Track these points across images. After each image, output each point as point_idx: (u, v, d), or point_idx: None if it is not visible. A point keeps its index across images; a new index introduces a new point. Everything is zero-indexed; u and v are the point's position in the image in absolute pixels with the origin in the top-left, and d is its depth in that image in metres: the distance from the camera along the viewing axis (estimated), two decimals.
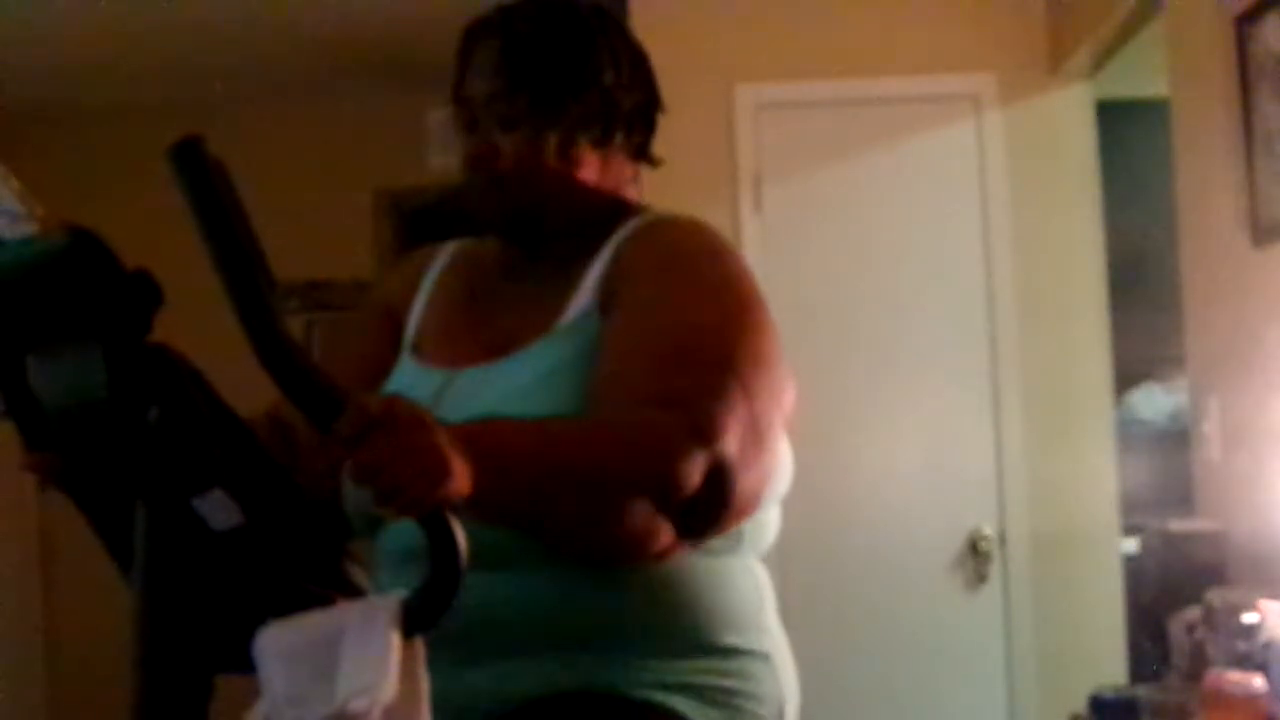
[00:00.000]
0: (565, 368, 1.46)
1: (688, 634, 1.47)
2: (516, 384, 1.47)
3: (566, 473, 1.27)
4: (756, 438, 1.40)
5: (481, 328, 1.58)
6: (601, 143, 1.59)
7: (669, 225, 1.58)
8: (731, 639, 1.50)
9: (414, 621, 1.17)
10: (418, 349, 1.64)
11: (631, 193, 1.65)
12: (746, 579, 1.55)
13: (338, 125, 5.57)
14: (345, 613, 1.19)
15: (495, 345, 1.53)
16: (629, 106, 1.59)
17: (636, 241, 1.53)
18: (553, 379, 1.46)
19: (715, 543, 1.48)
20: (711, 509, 1.36)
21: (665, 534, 1.36)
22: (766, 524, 1.59)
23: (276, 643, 1.18)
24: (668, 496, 1.33)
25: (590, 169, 1.59)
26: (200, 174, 1.10)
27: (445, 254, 1.72)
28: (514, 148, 1.55)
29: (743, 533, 1.52)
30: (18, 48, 4.69)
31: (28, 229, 1.24)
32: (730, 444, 1.36)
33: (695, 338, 1.43)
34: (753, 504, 1.43)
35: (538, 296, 1.55)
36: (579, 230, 1.57)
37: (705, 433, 1.34)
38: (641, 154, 1.64)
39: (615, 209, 1.59)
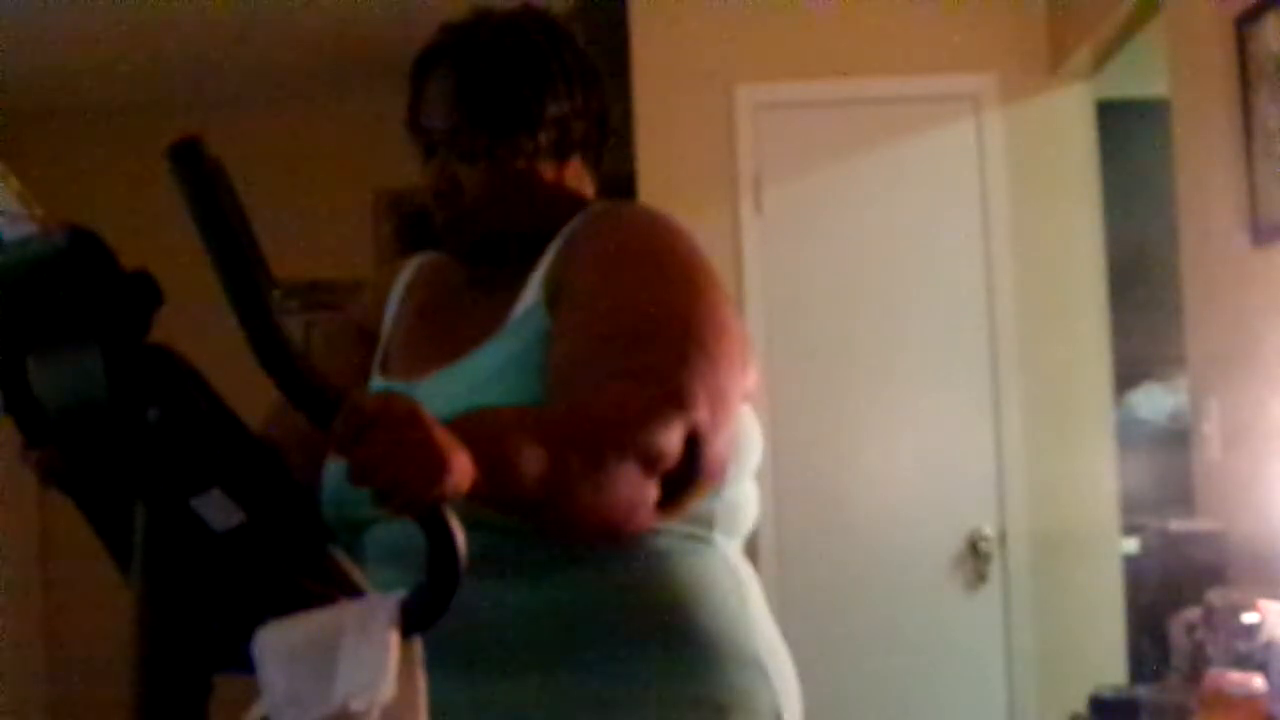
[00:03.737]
0: (515, 361, 1.47)
1: (669, 651, 1.47)
2: (469, 383, 1.48)
3: (563, 453, 1.27)
4: (723, 405, 1.41)
5: (442, 337, 1.60)
6: (560, 162, 1.61)
7: (612, 212, 1.59)
8: (717, 649, 1.49)
9: (412, 621, 1.17)
10: (385, 366, 1.66)
11: (589, 193, 1.66)
12: (726, 579, 1.54)
13: (338, 125, 5.56)
14: (344, 612, 1.19)
15: (453, 351, 1.54)
16: (583, 131, 1.62)
17: (581, 232, 1.55)
18: (504, 374, 1.47)
19: (685, 526, 1.48)
20: (687, 476, 1.37)
21: (652, 503, 1.36)
22: (740, 503, 1.58)
23: (276, 643, 1.18)
24: (655, 465, 1.33)
25: (549, 176, 1.61)
26: (199, 174, 1.10)
27: (410, 269, 1.74)
28: (477, 178, 1.58)
29: (713, 514, 1.52)
30: (18, 48, 4.69)
31: (27, 229, 1.24)
32: (702, 411, 1.37)
33: (653, 312, 1.44)
34: (720, 471, 1.43)
35: (493, 300, 1.57)
36: (537, 234, 1.58)
37: (681, 400, 1.36)
38: (596, 164, 1.67)
39: (568, 208, 1.60)
